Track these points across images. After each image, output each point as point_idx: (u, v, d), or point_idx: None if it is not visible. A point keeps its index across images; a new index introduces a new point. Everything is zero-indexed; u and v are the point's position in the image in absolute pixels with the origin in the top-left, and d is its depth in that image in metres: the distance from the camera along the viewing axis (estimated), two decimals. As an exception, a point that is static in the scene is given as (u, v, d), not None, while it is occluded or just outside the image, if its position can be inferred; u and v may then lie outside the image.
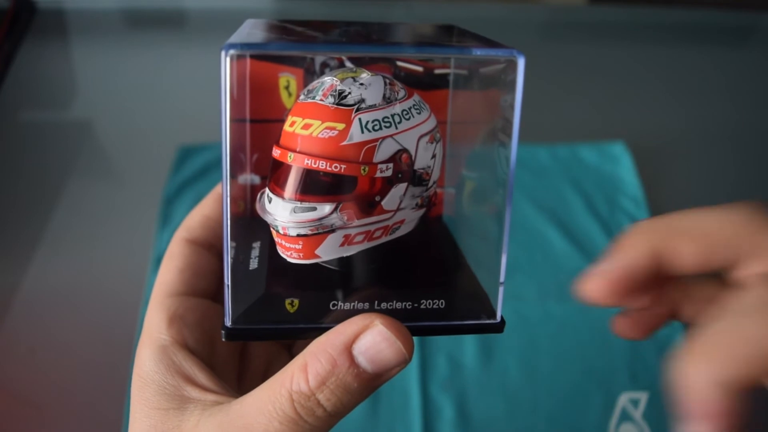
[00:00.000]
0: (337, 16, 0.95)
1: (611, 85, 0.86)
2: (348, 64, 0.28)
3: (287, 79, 0.30)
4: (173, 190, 0.70)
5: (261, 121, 0.28)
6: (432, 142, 0.27)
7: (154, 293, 0.29)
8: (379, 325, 0.23)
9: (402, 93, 0.27)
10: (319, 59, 0.29)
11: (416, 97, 0.27)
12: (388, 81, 0.26)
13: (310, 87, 0.26)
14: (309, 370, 0.23)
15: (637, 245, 0.23)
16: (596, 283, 0.24)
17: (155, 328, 0.28)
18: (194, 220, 0.31)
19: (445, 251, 0.29)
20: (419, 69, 0.29)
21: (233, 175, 0.24)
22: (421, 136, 0.26)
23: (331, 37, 0.26)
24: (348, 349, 0.23)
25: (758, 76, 0.88)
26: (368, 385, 0.23)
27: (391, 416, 0.55)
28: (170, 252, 0.30)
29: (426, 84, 0.30)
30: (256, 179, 0.29)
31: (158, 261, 0.64)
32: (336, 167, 0.25)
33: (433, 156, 0.27)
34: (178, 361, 0.26)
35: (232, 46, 0.22)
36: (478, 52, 0.24)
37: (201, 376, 0.26)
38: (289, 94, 0.30)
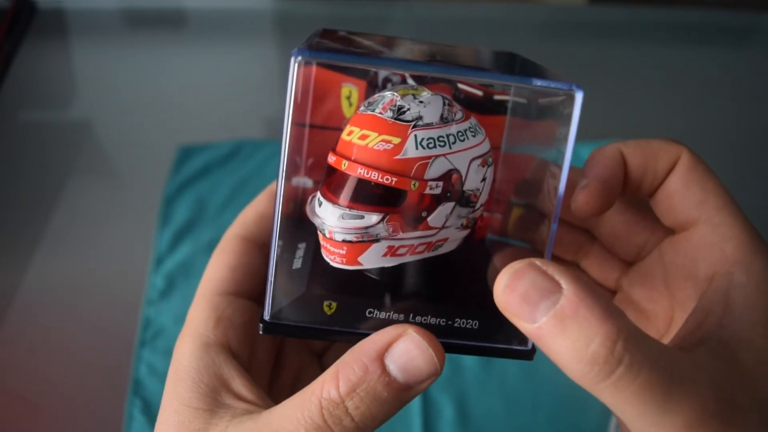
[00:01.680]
0: (337, 15, 0.95)
1: (611, 85, 0.85)
2: (410, 81, 0.29)
3: (349, 90, 0.30)
4: (173, 190, 0.70)
5: (320, 127, 0.28)
6: (483, 166, 0.28)
7: (203, 288, 0.29)
8: (412, 334, 0.23)
9: (459, 114, 0.27)
10: (382, 73, 0.30)
11: (473, 120, 0.28)
12: (447, 102, 0.27)
13: (371, 99, 0.27)
14: (340, 377, 0.22)
15: (606, 156, 0.26)
16: (584, 196, 0.25)
17: (201, 325, 0.27)
18: (249, 216, 0.31)
19: (484, 274, 0.29)
20: (479, 93, 0.30)
21: (287, 177, 0.25)
22: (473, 159, 0.27)
23: (396, 53, 0.27)
24: (380, 357, 0.22)
25: (758, 76, 0.88)
26: (398, 396, 0.23)
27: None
28: (223, 247, 0.30)
29: (484, 108, 0.30)
30: (309, 183, 0.29)
31: (158, 261, 0.64)
32: (387, 179, 0.25)
33: (483, 179, 0.28)
34: (218, 362, 0.26)
35: (302, 52, 0.23)
36: (538, 83, 0.24)
37: (237, 382, 0.26)
38: (350, 104, 0.30)
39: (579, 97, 0.24)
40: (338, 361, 0.23)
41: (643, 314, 0.30)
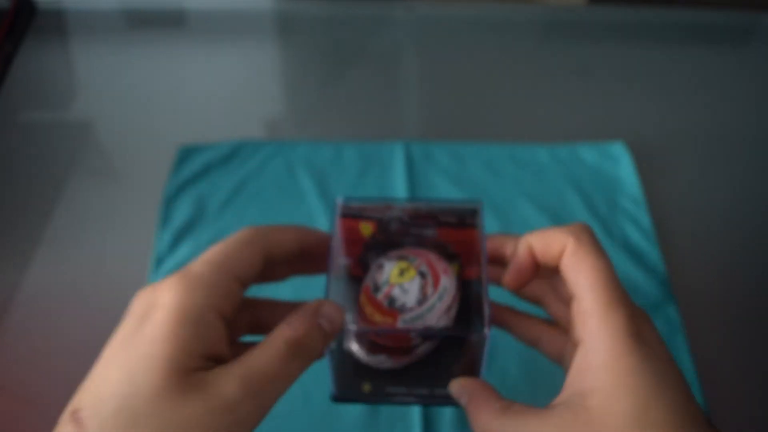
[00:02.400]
0: (338, 15, 0.95)
1: (611, 85, 0.86)
2: (406, 219, 0.43)
3: (366, 225, 0.43)
4: (173, 191, 0.70)
5: (347, 241, 0.44)
6: (450, 310, 0.40)
7: (232, 261, 0.34)
8: (330, 302, 0.36)
9: (430, 290, 0.40)
10: (388, 216, 0.43)
11: (441, 284, 0.40)
12: (423, 283, 0.40)
13: (376, 277, 0.41)
14: (296, 325, 0.33)
15: (520, 250, 0.37)
16: (506, 280, 0.38)
17: (221, 299, 0.33)
18: (287, 238, 0.38)
19: (463, 350, 0.42)
20: (455, 221, 0.43)
21: (333, 261, 0.40)
22: (442, 314, 0.39)
23: (392, 215, 0.43)
24: (315, 314, 0.34)
25: (759, 76, 0.88)
26: (324, 338, 0.34)
27: (392, 416, 0.55)
28: (251, 239, 0.36)
29: (459, 225, 0.43)
30: (343, 260, 0.44)
31: (158, 261, 0.64)
32: (386, 342, 0.40)
33: (447, 309, 0.40)
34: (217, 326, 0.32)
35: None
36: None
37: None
38: (368, 230, 0.44)
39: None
40: (286, 320, 0.33)
41: (575, 348, 0.36)
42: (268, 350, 0.31)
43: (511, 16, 0.95)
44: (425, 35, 0.92)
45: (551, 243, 0.35)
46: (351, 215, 0.42)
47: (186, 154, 0.74)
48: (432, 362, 0.42)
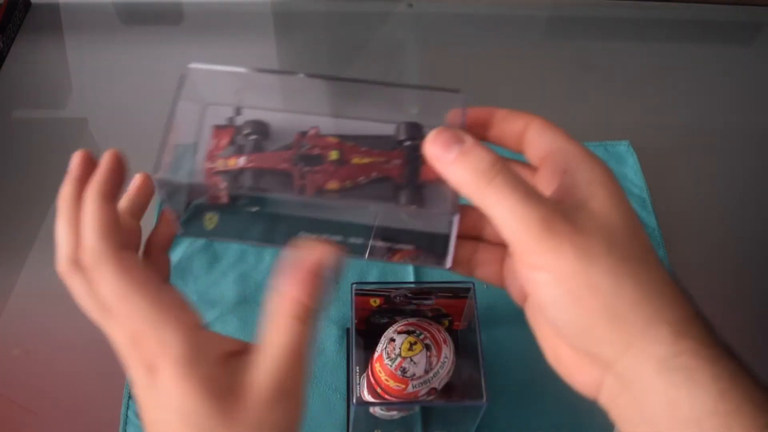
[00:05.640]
0: (337, 11, 0.94)
1: (617, 83, 0.85)
2: (409, 294, 0.53)
3: (375, 300, 0.53)
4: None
5: (358, 309, 0.53)
6: (449, 373, 0.48)
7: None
8: (326, 245, 0.31)
9: (435, 360, 0.48)
10: (395, 294, 0.52)
11: (443, 354, 0.48)
12: (428, 354, 0.48)
13: (389, 350, 0.48)
14: (296, 293, 0.30)
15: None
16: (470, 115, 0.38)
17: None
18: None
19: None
20: (450, 295, 0.52)
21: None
22: (443, 378, 0.48)
23: (396, 295, 0.52)
24: (316, 272, 0.31)
25: (767, 74, 0.87)
26: (329, 286, 0.31)
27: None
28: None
29: (455, 296, 0.52)
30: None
31: (155, 261, 0.63)
32: (399, 401, 0.49)
33: (448, 372, 0.48)
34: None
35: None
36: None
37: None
38: (375, 303, 0.53)
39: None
40: (281, 286, 0.31)
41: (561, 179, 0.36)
42: (279, 336, 0.30)
43: (515, 12, 0.94)
44: (427, 32, 0.91)
45: (516, 119, 0.36)
46: (363, 294, 0.52)
47: (183, 152, 0.73)
48: (428, 408, 0.54)
